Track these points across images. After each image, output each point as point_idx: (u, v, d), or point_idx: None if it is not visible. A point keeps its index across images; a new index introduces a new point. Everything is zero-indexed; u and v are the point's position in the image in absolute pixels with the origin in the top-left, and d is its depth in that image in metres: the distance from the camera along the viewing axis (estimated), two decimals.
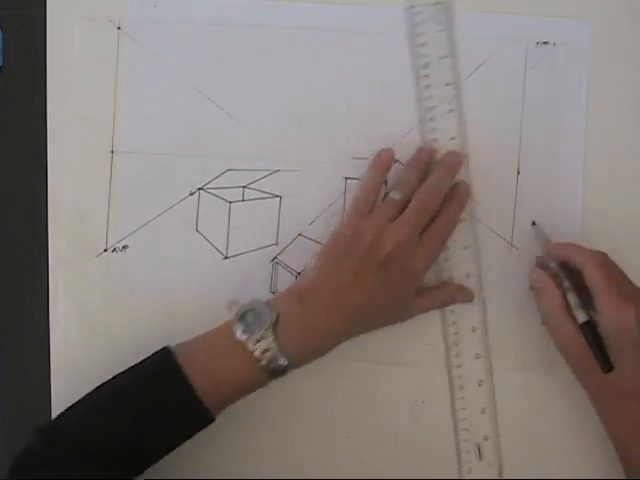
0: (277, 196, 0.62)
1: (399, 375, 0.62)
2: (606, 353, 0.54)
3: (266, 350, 0.53)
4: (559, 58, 0.62)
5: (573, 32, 0.62)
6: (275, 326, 0.53)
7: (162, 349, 0.55)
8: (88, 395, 0.54)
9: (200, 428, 0.54)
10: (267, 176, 0.62)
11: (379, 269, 0.55)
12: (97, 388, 0.54)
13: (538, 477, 0.61)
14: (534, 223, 0.61)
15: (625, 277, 0.57)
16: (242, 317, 0.54)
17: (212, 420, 0.53)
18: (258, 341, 0.53)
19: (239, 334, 0.53)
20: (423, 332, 0.62)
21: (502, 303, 0.62)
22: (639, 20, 0.63)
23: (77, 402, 0.54)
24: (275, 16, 0.62)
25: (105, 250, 0.61)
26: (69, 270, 0.61)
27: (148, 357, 0.55)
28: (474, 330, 0.62)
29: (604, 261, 0.57)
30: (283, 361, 0.53)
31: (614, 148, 0.63)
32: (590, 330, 0.55)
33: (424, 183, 0.58)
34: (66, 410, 0.54)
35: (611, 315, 0.55)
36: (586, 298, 0.56)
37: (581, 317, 0.55)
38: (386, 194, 0.59)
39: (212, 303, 0.61)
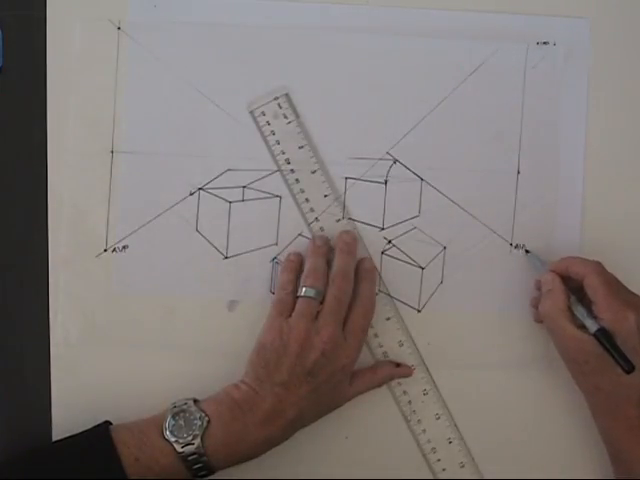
0: (277, 196, 0.62)
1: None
2: (625, 355, 0.54)
3: (192, 453, 0.54)
4: (559, 58, 0.62)
5: (573, 32, 0.63)
6: (205, 431, 0.54)
7: (101, 424, 0.56)
8: (26, 456, 0.56)
9: None
10: (267, 176, 0.62)
11: (308, 377, 0.56)
12: (33, 455, 0.56)
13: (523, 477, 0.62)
14: (528, 251, 0.62)
15: (622, 285, 0.57)
16: (174, 417, 0.55)
17: None
18: (185, 445, 0.54)
19: (168, 434, 0.54)
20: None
21: (501, 303, 0.62)
22: (639, 20, 0.63)
23: (14, 461, 0.55)
24: (275, 16, 0.62)
25: (105, 250, 0.61)
26: (69, 270, 0.61)
27: (87, 430, 0.56)
28: (426, 393, 0.62)
29: (603, 269, 0.57)
30: (207, 464, 0.54)
31: (614, 148, 0.63)
32: (605, 336, 0.55)
33: (332, 274, 0.58)
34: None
35: (612, 320, 0.55)
36: (586, 309, 0.57)
37: (593, 326, 0.55)
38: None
39: (212, 303, 0.61)
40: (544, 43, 0.62)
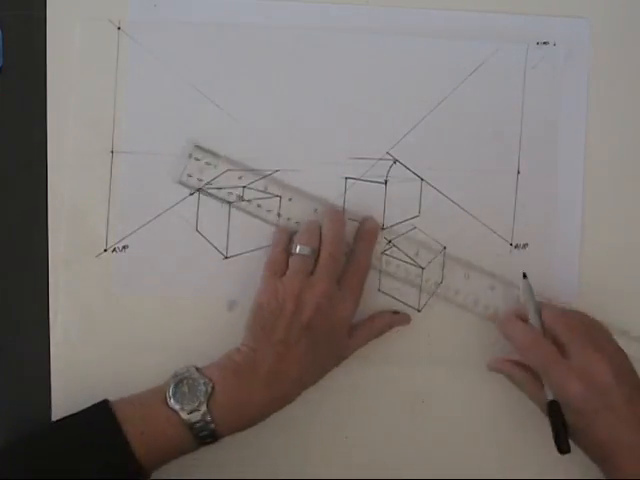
0: (277, 196, 0.62)
1: (399, 375, 0.62)
2: (562, 438, 0.54)
3: (198, 421, 0.54)
4: (559, 58, 0.62)
5: (573, 32, 0.63)
6: (209, 397, 0.54)
7: (101, 402, 0.55)
8: (26, 439, 0.55)
9: None
10: (267, 176, 0.62)
11: (305, 332, 0.56)
12: (34, 438, 0.55)
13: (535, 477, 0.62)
14: (525, 276, 0.61)
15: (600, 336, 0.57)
16: (177, 385, 0.55)
17: (143, 475, 0.54)
18: (191, 412, 0.54)
19: (173, 402, 0.54)
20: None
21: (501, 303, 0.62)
22: (639, 20, 0.63)
23: (15, 444, 0.55)
24: (275, 16, 0.62)
25: (105, 250, 0.61)
26: (69, 270, 0.61)
27: (87, 408, 0.55)
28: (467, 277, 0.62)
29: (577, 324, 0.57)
30: (214, 431, 0.54)
31: (614, 148, 0.63)
32: (552, 413, 0.55)
33: (323, 235, 0.58)
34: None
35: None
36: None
37: (548, 394, 0.56)
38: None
39: (212, 303, 0.61)
40: (544, 43, 0.62)
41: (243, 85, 0.62)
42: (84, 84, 0.61)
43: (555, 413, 0.55)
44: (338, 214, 0.60)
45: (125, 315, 0.61)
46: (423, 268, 0.62)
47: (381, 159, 0.62)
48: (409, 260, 0.62)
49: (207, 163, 0.61)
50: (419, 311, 0.62)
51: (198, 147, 0.61)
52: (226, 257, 0.62)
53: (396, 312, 0.61)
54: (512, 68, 0.62)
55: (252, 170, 0.62)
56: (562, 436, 0.55)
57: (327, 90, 0.62)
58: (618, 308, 0.62)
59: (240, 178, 0.62)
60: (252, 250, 0.62)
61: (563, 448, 0.54)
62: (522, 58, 0.62)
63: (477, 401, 0.62)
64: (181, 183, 0.61)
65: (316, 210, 0.62)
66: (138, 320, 0.61)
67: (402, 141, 0.62)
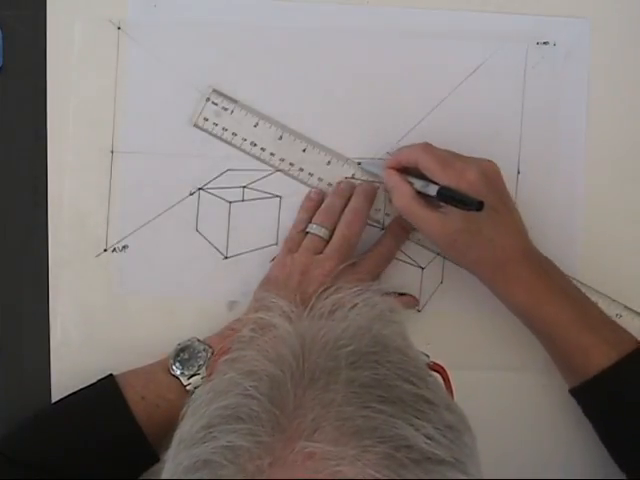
0: (277, 196, 0.62)
1: None
2: (468, 195, 0.53)
3: (198, 385, 0.54)
4: (559, 58, 0.62)
5: (573, 32, 0.62)
6: (209, 362, 0.55)
7: (107, 376, 0.57)
8: (38, 414, 0.57)
9: (135, 454, 0.55)
10: (267, 176, 0.62)
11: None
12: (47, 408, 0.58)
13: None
14: (359, 163, 0.61)
15: (457, 156, 0.57)
16: (179, 353, 0.56)
17: (146, 445, 0.54)
18: (191, 376, 0.55)
19: (174, 369, 0.56)
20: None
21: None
22: (639, 20, 0.63)
23: (30, 418, 0.57)
24: (275, 16, 0.62)
25: (105, 250, 0.61)
26: (69, 270, 0.61)
27: (94, 382, 0.57)
28: None
29: (431, 148, 0.57)
30: None
31: (614, 148, 0.63)
32: (446, 189, 0.54)
33: (344, 212, 0.59)
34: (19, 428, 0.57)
35: (452, 184, 0.54)
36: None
37: (432, 190, 0.55)
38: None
39: (212, 303, 0.61)
40: (544, 43, 0.62)
41: (242, 85, 0.62)
42: (84, 84, 0.61)
43: (449, 190, 0.54)
44: (368, 192, 0.60)
45: (125, 315, 0.61)
46: (423, 268, 0.62)
47: (381, 159, 0.62)
48: (409, 260, 0.62)
49: (224, 108, 0.61)
50: (419, 311, 0.62)
51: (216, 91, 0.61)
52: (226, 257, 0.62)
53: (402, 294, 0.61)
54: (512, 68, 0.62)
55: (252, 170, 0.62)
56: (467, 196, 0.53)
57: (327, 90, 0.62)
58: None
59: (240, 178, 0.62)
60: (252, 250, 0.62)
61: (475, 203, 0.52)
62: (522, 58, 0.62)
63: (476, 402, 0.62)
64: (196, 126, 0.61)
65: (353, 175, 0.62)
66: (138, 320, 0.61)
67: (402, 141, 0.62)
